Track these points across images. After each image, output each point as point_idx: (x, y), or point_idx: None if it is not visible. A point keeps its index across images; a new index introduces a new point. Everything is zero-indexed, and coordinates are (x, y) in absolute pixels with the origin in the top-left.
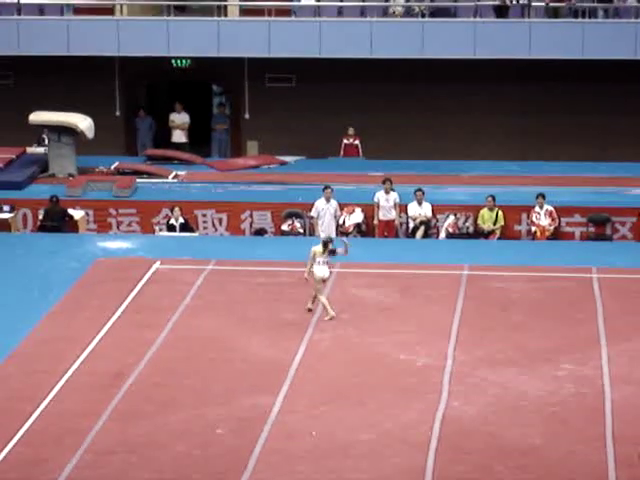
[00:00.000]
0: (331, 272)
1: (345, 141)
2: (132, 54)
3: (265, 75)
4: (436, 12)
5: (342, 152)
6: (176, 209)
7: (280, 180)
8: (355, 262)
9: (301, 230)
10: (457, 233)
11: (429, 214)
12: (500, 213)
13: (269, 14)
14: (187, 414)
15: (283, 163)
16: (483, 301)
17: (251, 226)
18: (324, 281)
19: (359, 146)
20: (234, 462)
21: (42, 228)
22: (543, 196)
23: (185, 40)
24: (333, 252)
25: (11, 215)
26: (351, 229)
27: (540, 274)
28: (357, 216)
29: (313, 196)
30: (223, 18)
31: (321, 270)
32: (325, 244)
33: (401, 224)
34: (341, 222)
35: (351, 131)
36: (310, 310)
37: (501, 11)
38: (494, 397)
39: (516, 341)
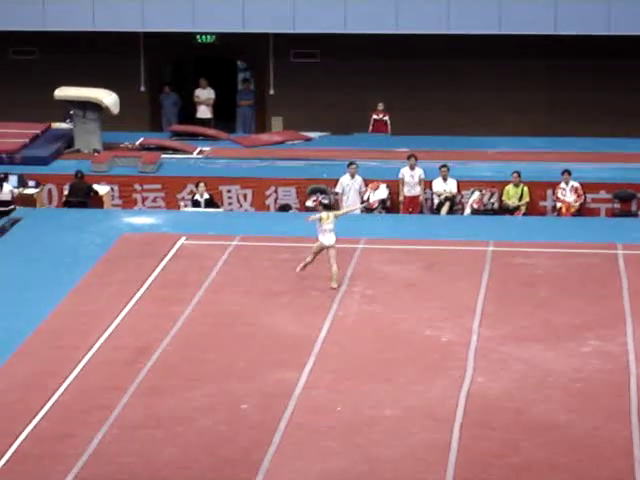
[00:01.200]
0: (337, 239)
1: (374, 116)
2: (157, 30)
3: (290, 51)
4: None
5: (371, 128)
6: (201, 185)
7: (305, 156)
8: (380, 238)
9: None
10: (482, 209)
11: (454, 190)
12: (525, 189)
13: None
14: (212, 389)
15: (308, 139)
16: (508, 277)
17: (276, 202)
18: (328, 249)
19: (388, 122)
20: (259, 437)
21: (67, 204)
22: (569, 172)
23: (210, 16)
24: (329, 207)
25: (36, 191)
26: (376, 205)
27: (565, 250)
28: (382, 192)
29: (338, 172)
30: None
31: (327, 238)
32: (326, 206)
33: (426, 200)
34: (366, 198)
35: (380, 106)
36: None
37: None
38: (519, 373)
39: (541, 317)
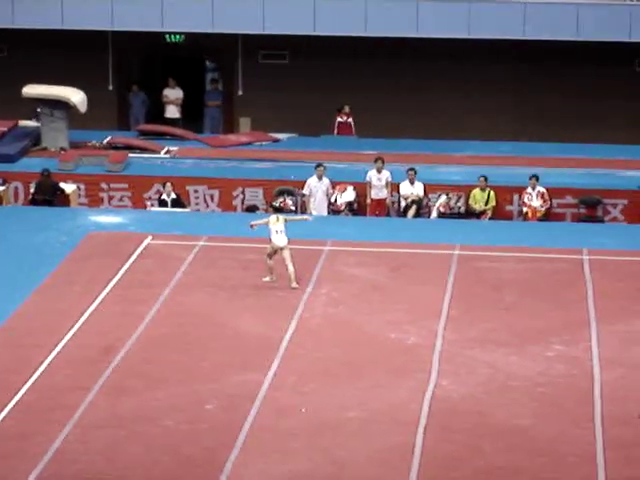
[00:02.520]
0: (289, 240)
1: (339, 119)
2: (126, 29)
3: (259, 51)
4: None
5: (336, 130)
6: (168, 184)
7: (272, 157)
8: (346, 241)
9: (293, 208)
10: (449, 213)
11: (421, 193)
12: (492, 193)
13: None
14: (177, 389)
15: (275, 140)
16: (474, 281)
17: (243, 203)
18: (281, 249)
19: (352, 124)
20: (223, 438)
21: (33, 202)
22: (536, 177)
23: (179, 15)
24: (279, 210)
25: (2, 188)
26: (343, 207)
27: (531, 255)
28: (349, 194)
29: (305, 174)
30: None
31: (278, 239)
32: (276, 209)
33: (393, 203)
34: (333, 200)
35: (346, 109)
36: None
37: None
38: (484, 377)
39: (506, 321)
